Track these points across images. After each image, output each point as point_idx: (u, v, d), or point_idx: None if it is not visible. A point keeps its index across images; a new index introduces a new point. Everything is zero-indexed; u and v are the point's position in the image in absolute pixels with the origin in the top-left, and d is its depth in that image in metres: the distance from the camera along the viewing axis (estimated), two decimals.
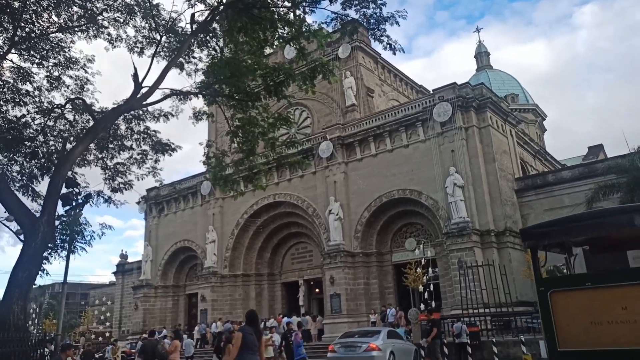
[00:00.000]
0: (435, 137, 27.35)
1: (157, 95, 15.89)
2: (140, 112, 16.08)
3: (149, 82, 14.43)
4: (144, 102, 14.21)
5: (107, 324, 45.30)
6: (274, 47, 32.20)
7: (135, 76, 14.09)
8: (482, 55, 66.91)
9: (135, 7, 15.41)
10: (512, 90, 61.83)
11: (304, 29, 15.41)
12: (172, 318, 39.49)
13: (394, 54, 16.00)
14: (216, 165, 17.03)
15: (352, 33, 16.35)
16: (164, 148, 16.28)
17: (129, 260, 51.30)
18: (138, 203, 41.73)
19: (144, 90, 14.06)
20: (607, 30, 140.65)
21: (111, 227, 13.85)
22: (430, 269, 23.59)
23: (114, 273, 50.67)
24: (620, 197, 20.57)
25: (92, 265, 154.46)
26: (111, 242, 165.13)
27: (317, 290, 34.67)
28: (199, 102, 21.53)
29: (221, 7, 14.40)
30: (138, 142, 16.45)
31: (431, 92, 30.57)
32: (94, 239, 13.20)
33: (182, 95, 15.78)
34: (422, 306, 22.17)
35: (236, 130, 16.21)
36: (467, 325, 19.30)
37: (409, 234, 29.66)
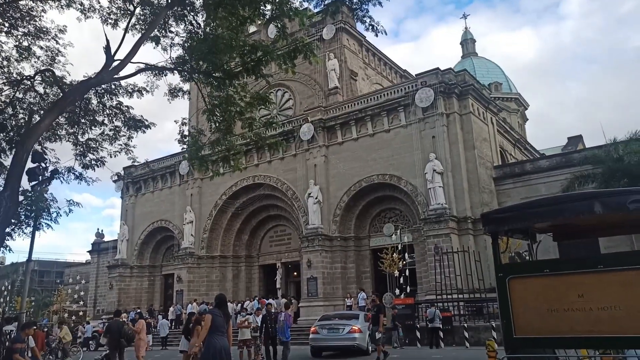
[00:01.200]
0: (416, 123, 27.27)
1: (131, 69, 15.39)
2: (113, 87, 15.57)
3: (122, 55, 13.94)
4: (116, 76, 13.72)
5: (81, 302, 44.76)
6: (258, 24, 31.64)
7: (107, 48, 13.57)
8: (467, 43, 66.89)
9: None
10: (496, 78, 62.10)
11: (285, 7, 15.04)
12: (148, 298, 39.20)
13: (376, 35, 15.77)
14: (192, 144, 16.69)
15: (335, 13, 15.99)
16: (136, 124, 15.78)
17: (106, 239, 50.66)
18: (115, 181, 40.96)
19: (116, 64, 13.61)
20: (593, 21, 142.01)
21: (79, 204, 13.38)
22: (406, 255, 23.69)
23: (90, 252, 49.96)
24: (596, 187, 20.79)
25: (70, 244, 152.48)
26: (90, 220, 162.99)
27: (295, 273, 34.66)
28: (175, 79, 21.04)
29: None
30: (110, 118, 15.95)
31: (414, 76, 30.40)
32: (60, 215, 12.74)
33: (157, 70, 15.29)
34: (397, 291, 22.32)
35: (213, 109, 15.88)
36: (440, 311, 19.49)
37: (387, 219, 29.71)
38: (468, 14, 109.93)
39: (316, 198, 29.78)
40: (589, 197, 4.92)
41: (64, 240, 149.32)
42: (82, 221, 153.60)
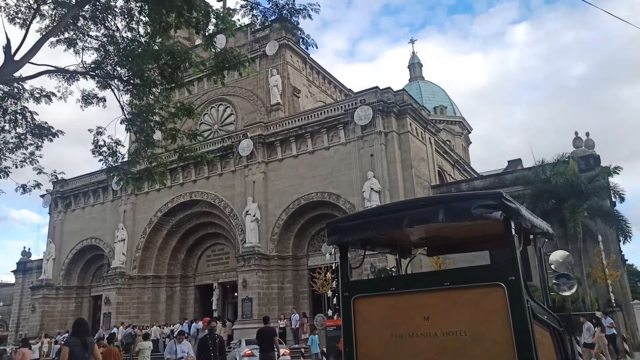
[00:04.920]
0: (355, 141, 27.04)
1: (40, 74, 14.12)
2: (15, 90, 14.30)
3: (34, 59, 12.78)
4: (16, 76, 12.56)
5: (1, 327, 41.28)
6: (203, 38, 30.84)
7: (7, 47, 12.41)
8: (414, 67, 68.42)
9: None
10: (441, 102, 63.68)
11: (211, 15, 14.45)
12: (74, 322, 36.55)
13: (307, 48, 15.44)
14: (108, 156, 15.52)
15: (264, 23, 15.56)
16: (41, 132, 14.54)
17: (35, 258, 47.27)
18: (42, 196, 38.48)
19: (14, 65, 12.44)
20: (537, 50, 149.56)
21: None
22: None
23: (14, 272, 46.41)
24: (526, 207, 21.04)
25: (5, 264, 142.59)
26: (29, 238, 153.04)
27: (235, 294, 33.35)
28: (91, 85, 19.81)
29: None
30: (13, 124, 14.60)
31: (354, 94, 30.36)
32: None
33: (67, 74, 14.25)
34: (330, 312, 21.63)
35: (133, 118, 14.93)
36: None
37: (326, 238, 29.08)
38: (415, 39, 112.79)
39: (254, 216, 28.86)
40: (433, 203, 4.28)
41: (1, 260, 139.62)
42: (20, 239, 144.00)
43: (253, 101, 34.57)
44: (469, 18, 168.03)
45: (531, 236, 4.94)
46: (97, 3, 13.77)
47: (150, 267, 33.88)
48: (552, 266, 5.13)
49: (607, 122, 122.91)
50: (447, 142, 47.33)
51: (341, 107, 28.53)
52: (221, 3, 35.32)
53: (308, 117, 29.59)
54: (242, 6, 13.70)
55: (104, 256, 35.80)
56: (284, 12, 13.37)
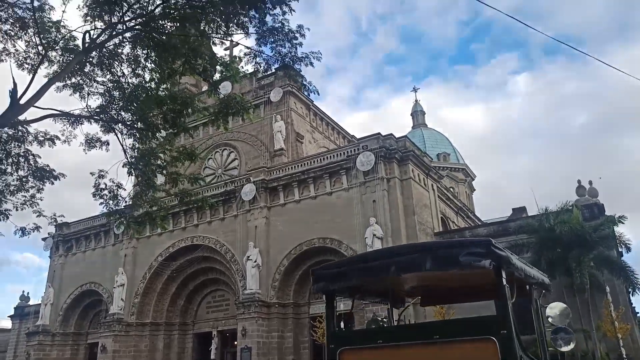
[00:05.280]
0: (357, 187, 26.99)
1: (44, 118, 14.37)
2: (20, 134, 14.49)
3: (40, 103, 13.05)
4: (16, 120, 12.75)
5: None
6: (209, 84, 31.74)
7: (13, 92, 12.69)
8: (417, 114, 69.35)
9: (29, 21, 14.14)
10: (444, 149, 64.03)
11: (216, 62, 14.89)
12: None
13: (309, 94, 15.71)
14: (109, 199, 15.56)
15: (267, 70, 15.92)
16: (43, 175, 14.64)
17: (33, 302, 46.50)
18: (44, 239, 38.35)
19: (19, 108, 12.68)
20: (539, 99, 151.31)
21: None
22: (342, 323, 22.40)
23: (11, 317, 45.58)
24: (530, 256, 20.66)
25: (7, 309, 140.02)
26: (30, 282, 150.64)
27: (235, 343, 32.40)
28: (95, 129, 20.18)
29: (119, 27, 13.40)
30: (15, 167, 14.72)
31: (357, 140, 30.61)
32: None
33: (72, 118, 14.48)
34: None
35: (136, 162, 15.06)
36: None
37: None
38: (418, 87, 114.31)
39: (255, 261, 28.46)
40: (420, 250, 4.14)
41: (3, 304, 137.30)
42: (22, 283, 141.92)
43: (257, 146, 34.91)
44: (470, 69, 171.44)
45: (527, 287, 4.73)
46: (104, 49, 14.14)
47: (149, 313, 33.17)
48: (550, 319, 4.89)
49: (610, 171, 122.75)
50: (451, 189, 47.25)
51: (344, 152, 28.68)
52: (227, 51, 36.54)
53: (311, 162, 29.70)
54: (246, 54, 14.09)
55: (103, 301, 35.19)
56: (287, 59, 13.72)
